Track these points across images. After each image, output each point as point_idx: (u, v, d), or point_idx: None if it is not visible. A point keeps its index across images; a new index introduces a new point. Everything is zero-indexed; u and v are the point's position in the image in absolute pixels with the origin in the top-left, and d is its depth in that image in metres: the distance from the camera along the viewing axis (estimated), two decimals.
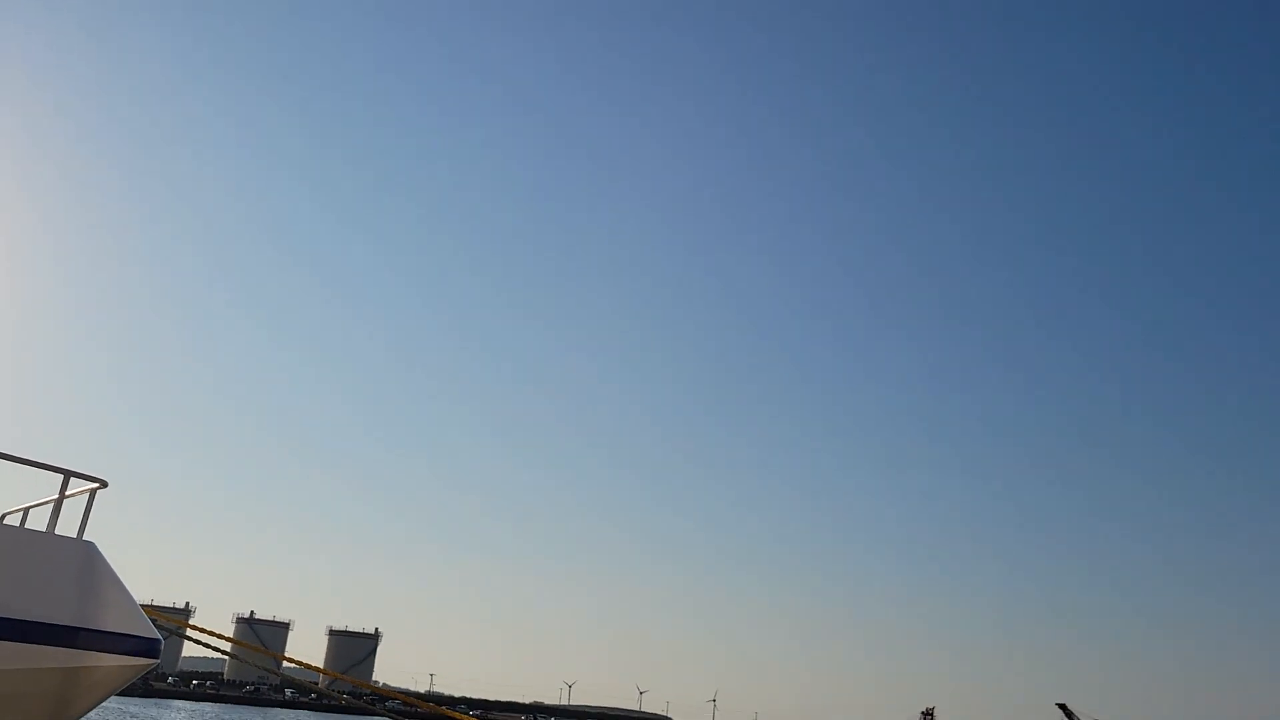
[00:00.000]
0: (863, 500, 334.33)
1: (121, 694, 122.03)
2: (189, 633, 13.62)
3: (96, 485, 10.78)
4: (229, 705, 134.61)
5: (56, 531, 10.41)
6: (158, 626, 15.62)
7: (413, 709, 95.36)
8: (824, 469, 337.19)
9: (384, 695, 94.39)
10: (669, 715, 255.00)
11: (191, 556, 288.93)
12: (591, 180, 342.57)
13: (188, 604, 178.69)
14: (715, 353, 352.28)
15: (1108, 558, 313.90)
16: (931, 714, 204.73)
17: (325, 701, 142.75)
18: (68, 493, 10.57)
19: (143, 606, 11.19)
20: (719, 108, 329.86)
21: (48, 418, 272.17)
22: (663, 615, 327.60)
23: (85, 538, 10.59)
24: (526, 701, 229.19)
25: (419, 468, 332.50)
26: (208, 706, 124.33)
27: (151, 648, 10.79)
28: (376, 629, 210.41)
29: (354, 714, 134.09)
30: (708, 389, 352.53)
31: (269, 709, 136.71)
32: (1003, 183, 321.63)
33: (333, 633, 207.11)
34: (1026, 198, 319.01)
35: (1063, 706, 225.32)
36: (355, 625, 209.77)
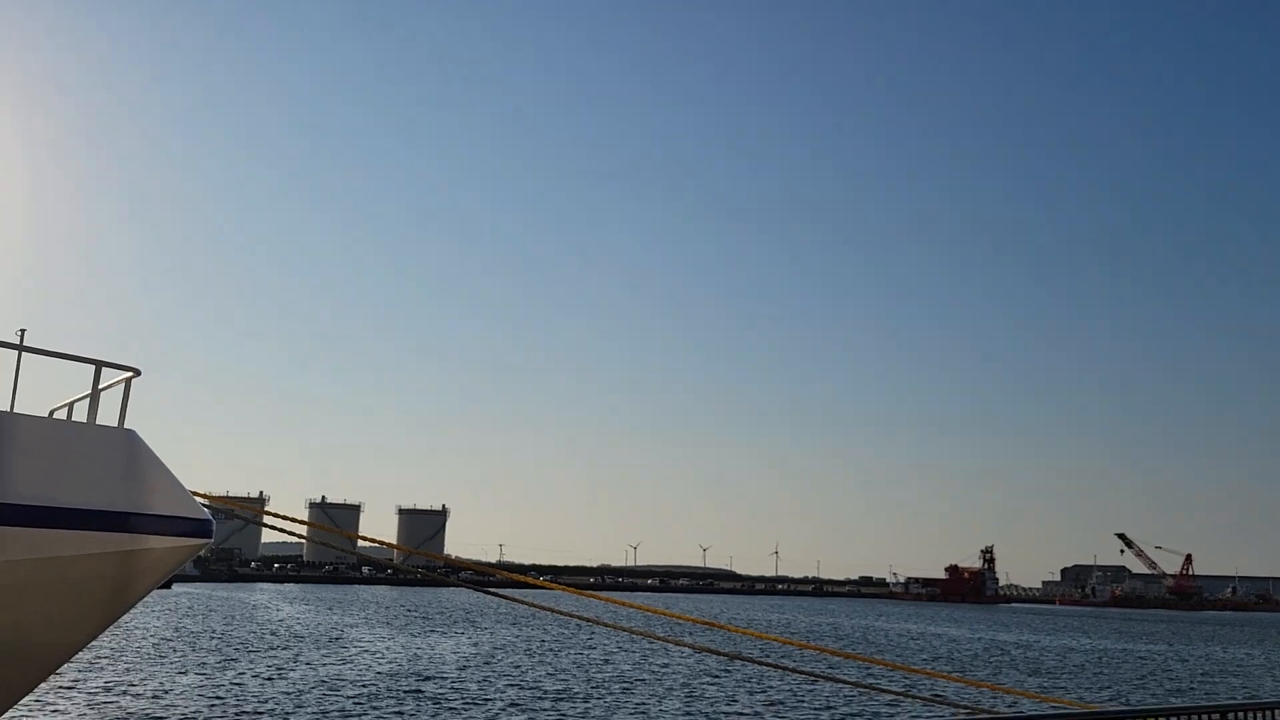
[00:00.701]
0: (918, 347, 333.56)
1: (208, 579, 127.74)
2: (267, 519, 13.83)
3: (130, 374, 10.79)
4: (311, 585, 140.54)
5: (99, 422, 10.49)
6: (236, 515, 15.90)
7: (486, 577, 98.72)
8: (878, 320, 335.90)
9: (457, 567, 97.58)
10: (732, 569, 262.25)
11: (262, 448, 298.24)
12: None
13: (261, 493, 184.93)
14: (753, 236, 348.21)
15: (1165, 389, 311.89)
16: (990, 552, 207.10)
17: (401, 576, 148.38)
18: (103, 384, 10.62)
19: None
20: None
21: (122, 315, 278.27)
22: (724, 473, 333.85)
23: (126, 426, 10.67)
24: (594, 565, 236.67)
25: (479, 341, 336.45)
26: (290, 587, 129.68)
27: (202, 528, 10.91)
28: (444, 506, 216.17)
29: (430, 586, 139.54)
30: (759, 265, 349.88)
31: (348, 585, 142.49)
32: None
33: (402, 511, 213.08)
34: None
35: (1122, 536, 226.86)
36: (423, 504, 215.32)
